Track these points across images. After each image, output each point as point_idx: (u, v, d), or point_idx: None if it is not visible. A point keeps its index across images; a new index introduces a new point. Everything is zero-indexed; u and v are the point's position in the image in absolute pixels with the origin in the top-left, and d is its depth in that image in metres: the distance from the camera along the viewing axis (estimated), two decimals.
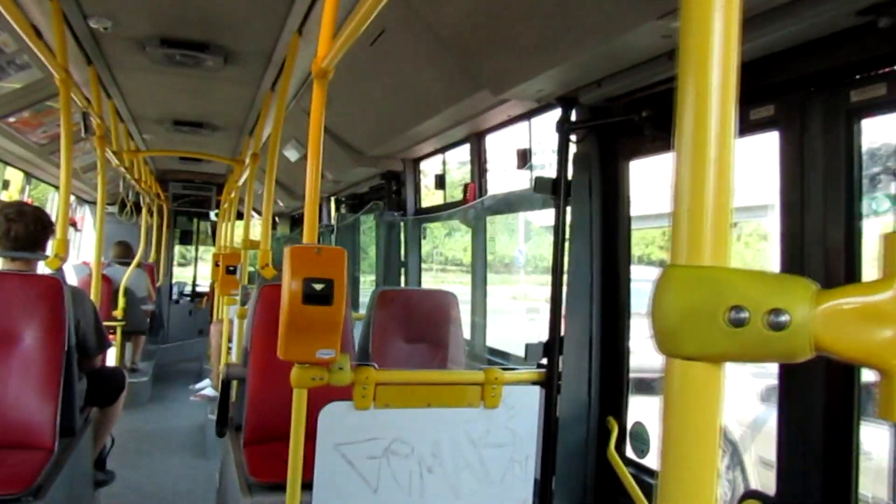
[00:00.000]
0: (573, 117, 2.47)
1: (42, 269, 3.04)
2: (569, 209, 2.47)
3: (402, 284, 4.78)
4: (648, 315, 0.56)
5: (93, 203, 8.56)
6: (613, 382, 2.46)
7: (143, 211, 8.19)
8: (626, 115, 2.19)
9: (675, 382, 0.54)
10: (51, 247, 3.02)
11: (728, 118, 0.53)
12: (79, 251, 8.44)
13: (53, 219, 3.09)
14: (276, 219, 10.40)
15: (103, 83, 4.22)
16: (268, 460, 2.72)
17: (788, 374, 1.83)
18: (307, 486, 2.00)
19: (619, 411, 2.43)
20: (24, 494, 2.27)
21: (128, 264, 6.84)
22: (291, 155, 5.46)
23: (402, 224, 4.77)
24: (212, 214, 9.96)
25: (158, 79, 4.27)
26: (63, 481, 2.57)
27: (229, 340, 5.30)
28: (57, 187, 7.43)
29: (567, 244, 2.46)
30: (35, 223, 2.91)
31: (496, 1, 2.24)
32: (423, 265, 4.81)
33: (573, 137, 2.47)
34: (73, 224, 7.94)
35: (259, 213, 7.42)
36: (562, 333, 2.46)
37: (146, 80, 4.36)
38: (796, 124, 1.76)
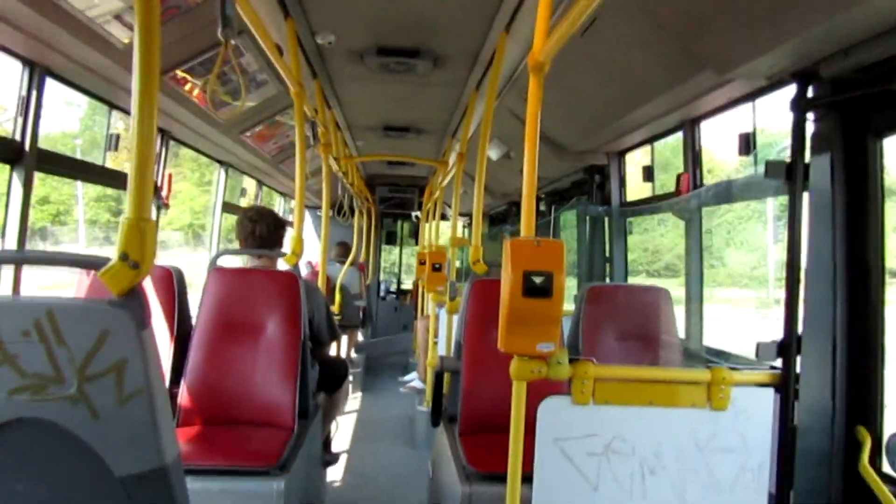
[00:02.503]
0: (810, 93, 2.23)
1: (280, 265, 3.37)
2: (806, 195, 2.24)
3: (608, 280, 4.66)
4: None
5: (312, 207, 9.37)
6: (863, 388, 2.18)
7: (356, 213, 8.79)
8: (882, 86, 1.93)
9: None
10: (287, 244, 3.34)
11: None
12: None
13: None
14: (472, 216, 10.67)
15: (325, 95, 4.58)
16: (484, 451, 2.78)
17: None
18: (526, 478, 2.00)
19: (872, 420, 2.15)
20: (274, 468, 2.52)
21: (343, 262, 7.38)
22: (493, 154, 5.55)
23: (606, 219, 4.65)
24: (413, 215, 10.46)
25: (373, 87, 4.56)
26: (301, 459, 2.82)
27: (435, 335, 5.52)
28: (282, 193, 8.23)
29: (805, 233, 2.23)
30: (274, 223, 3.24)
31: None
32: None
33: (810, 116, 2.23)
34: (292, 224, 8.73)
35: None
36: (799, 332, 2.23)
37: (362, 90, 4.67)
38: None
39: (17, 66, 2.68)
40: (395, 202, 10.50)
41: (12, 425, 1.31)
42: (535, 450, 2.02)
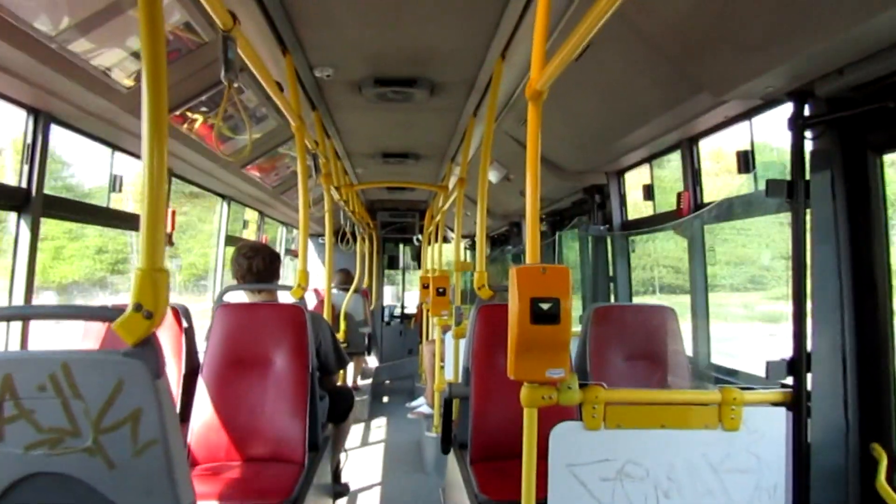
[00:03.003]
0: (806, 112, 2.26)
1: (282, 297, 3.38)
2: (808, 212, 2.25)
3: (612, 300, 4.66)
4: None
5: (313, 235, 9.39)
6: (876, 403, 2.17)
7: (358, 240, 8.81)
8: (878, 104, 1.95)
9: None
10: (292, 277, 3.35)
11: None
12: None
13: (281, 251, 3.41)
14: (475, 239, 10.68)
15: (324, 126, 4.62)
16: (496, 478, 2.77)
17: None
18: None
19: (887, 437, 2.14)
20: (286, 503, 2.51)
21: (347, 290, 7.38)
22: (493, 176, 5.58)
23: (608, 238, 4.66)
24: (415, 238, 10.49)
25: (371, 116, 4.59)
26: (313, 492, 2.80)
27: (442, 359, 5.50)
28: (284, 223, 8.26)
29: (808, 251, 2.24)
30: (269, 256, 3.27)
31: None
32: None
33: (808, 134, 2.25)
34: (296, 254, 8.74)
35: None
36: (808, 349, 2.23)
37: (360, 119, 4.71)
38: None
39: (21, 114, 2.72)
40: (396, 227, 10.54)
41: (29, 480, 1.31)
42: (549, 476, 2.01)
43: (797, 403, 2.19)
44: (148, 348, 1.33)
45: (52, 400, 1.29)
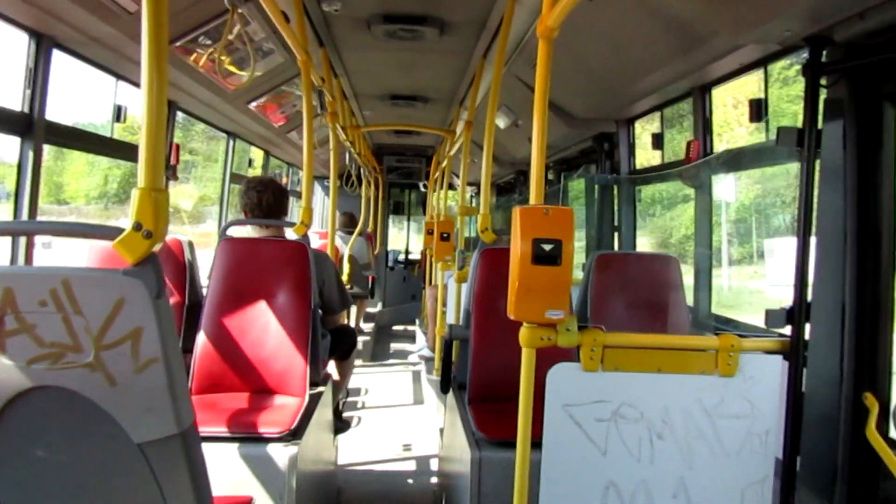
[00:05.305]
0: (824, 59, 2.20)
1: (289, 234, 3.38)
2: (817, 162, 2.23)
3: (616, 248, 4.66)
4: None
5: (319, 177, 9.35)
6: (871, 354, 2.19)
7: (364, 183, 8.77)
8: None
9: None
10: (296, 215, 3.35)
11: None
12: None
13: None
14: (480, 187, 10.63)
15: (331, 64, 4.55)
16: (493, 417, 2.81)
17: None
18: (535, 444, 2.03)
19: (879, 386, 2.16)
20: (287, 435, 2.56)
21: (351, 233, 7.39)
22: (501, 122, 5.51)
23: (614, 187, 4.63)
24: (421, 184, 10.45)
25: (379, 55, 4.52)
26: (313, 426, 2.86)
27: (444, 304, 5.54)
28: (289, 163, 8.21)
29: (816, 200, 2.22)
30: (279, 192, 3.25)
31: None
32: None
33: (823, 81, 2.20)
34: (299, 195, 8.71)
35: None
36: (809, 299, 2.24)
37: (369, 58, 4.63)
38: None
39: (23, 37, 2.67)
40: (402, 172, 10.49)
41: (32, 393, 1.33)
42: (544, 415, 2.03)
43: (794, 352, 2.20)
44: (148, 268, 1.33)
45: (53, 315, 1.30)
